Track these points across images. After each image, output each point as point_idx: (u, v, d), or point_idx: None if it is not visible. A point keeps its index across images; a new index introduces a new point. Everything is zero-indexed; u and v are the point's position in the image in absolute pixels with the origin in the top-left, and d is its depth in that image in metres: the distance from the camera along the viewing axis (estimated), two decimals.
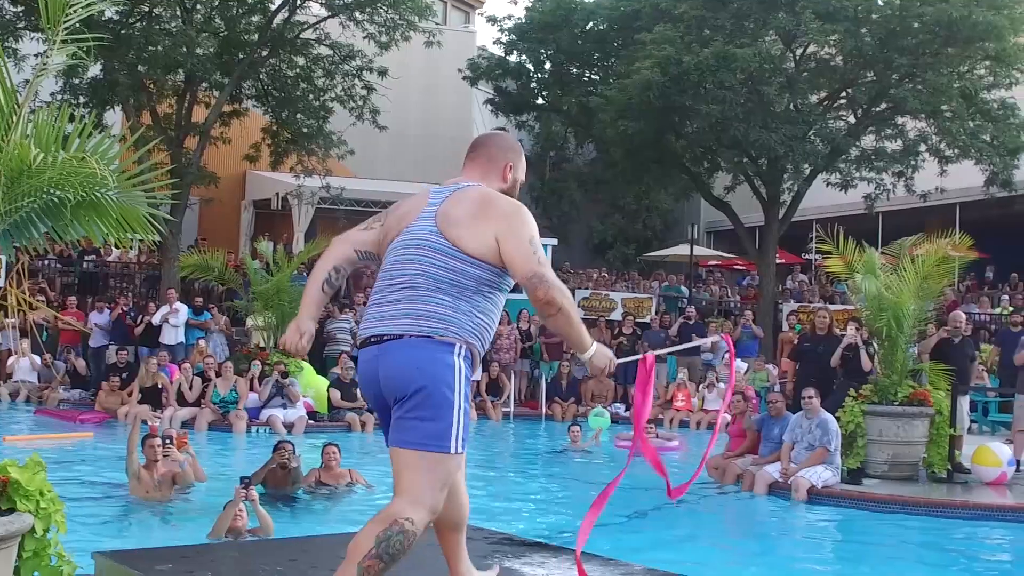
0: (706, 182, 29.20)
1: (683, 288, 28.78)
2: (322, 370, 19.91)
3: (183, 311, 21.00)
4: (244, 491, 8.45)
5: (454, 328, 4.13)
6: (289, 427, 17.03)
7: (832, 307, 21.35)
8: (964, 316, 15.60)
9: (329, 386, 18.62)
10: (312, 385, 18.73)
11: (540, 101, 33.61)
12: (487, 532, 6.31)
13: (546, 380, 21.60)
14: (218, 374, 17.91)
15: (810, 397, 12.29)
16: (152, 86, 24.44)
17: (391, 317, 4.19)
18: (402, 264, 4.27)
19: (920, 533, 10.74)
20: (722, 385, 19.98)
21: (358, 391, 18.42)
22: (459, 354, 4.12)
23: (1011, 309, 23.18)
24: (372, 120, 26.07)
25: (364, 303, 22.79)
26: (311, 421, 17.71)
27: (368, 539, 3.96)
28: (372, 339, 4.23)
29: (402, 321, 4.15)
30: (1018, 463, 13.13)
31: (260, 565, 5.12)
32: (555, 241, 26.48)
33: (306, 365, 19.09)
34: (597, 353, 4.33)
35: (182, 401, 17.63)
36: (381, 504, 11.50)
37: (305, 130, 25.57)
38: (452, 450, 4.06)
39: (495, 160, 4.52)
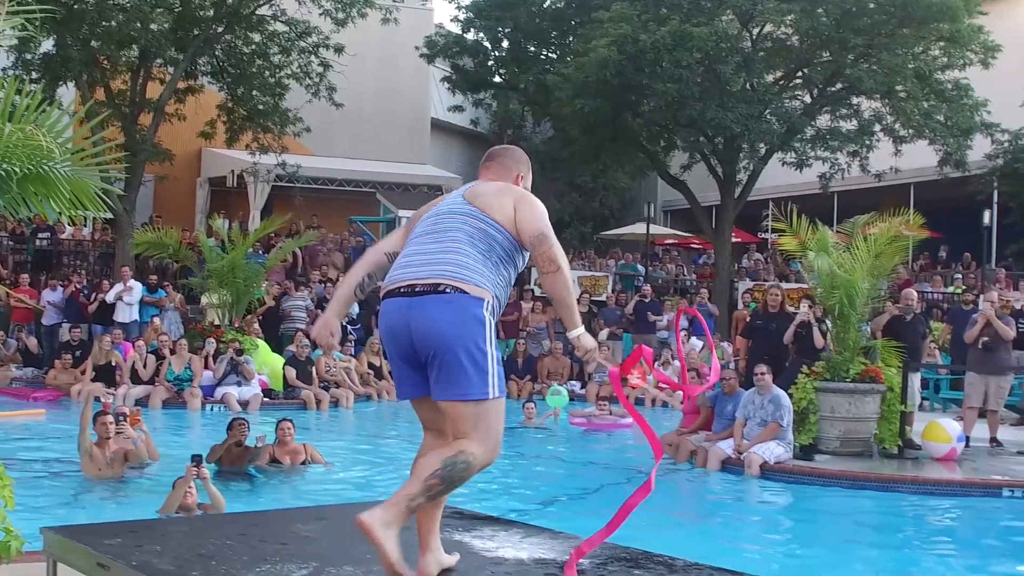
0: (663, 161, 29.30)
1: (639, 266, 28.94)
2: (277, 348, 19.86)
3: (137, 289, 20.83)
4: (195, 469, 8.42)
5: (485, 281, 4.40)
6: (244, 405, 16.98)
7: (786, 285, 21.50)
8: (916, 294, 15.75)
9: (285, 364, 18.55)
10: (267, 363, 18.67)
11: (497, 79, 33.56)
12: None
13: (502, 358, 21.61)
14: (172, 352, 17.82)
15: (762, 374, 12.37)
16: (106, 62, 24.19)
17: (424, 264, 4.42)
18: (435, 225, 4.59)
19: (871, 508, 10.87)
20: (677, 363, 20.04)
21: (313, 370, 18.38)
22: (487, 308, 4.39)
23: (963, 288, 23.41)
24: (328, 97, 26.00)
25: (319, 281, 22.73)
26: (266, 399, 17.66)
27: (436, 460, 4.26)
28: (402, 289, 4.41)
29: (436, 268, 4.39)
30: (967, 439, 13.29)
31: (209, 539, 5.11)
32: None
33: (261, 343, 19.06)
34: (585, 335, 4.67)
35: (136, 379, 17.52)
36: (338, 479, 11.46)
37: (261, 107, 25.47)
38: (490, 395, 4.38)
39: (508, 169, 4.87)
